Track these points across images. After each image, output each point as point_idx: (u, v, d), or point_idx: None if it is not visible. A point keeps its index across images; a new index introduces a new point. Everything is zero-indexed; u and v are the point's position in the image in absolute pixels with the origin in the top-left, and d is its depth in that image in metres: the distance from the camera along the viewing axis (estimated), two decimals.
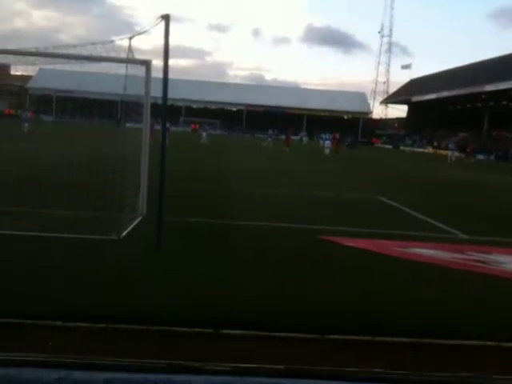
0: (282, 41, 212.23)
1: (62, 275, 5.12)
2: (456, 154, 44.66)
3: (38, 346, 3.87)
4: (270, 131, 50.89)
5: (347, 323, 4.37)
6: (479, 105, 79.23)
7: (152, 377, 0.73)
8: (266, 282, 5.44)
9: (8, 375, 0.70)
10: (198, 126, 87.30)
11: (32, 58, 7.97)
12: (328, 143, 40.56)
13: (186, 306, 4.52)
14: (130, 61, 7.84)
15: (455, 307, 5.05)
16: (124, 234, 6.96)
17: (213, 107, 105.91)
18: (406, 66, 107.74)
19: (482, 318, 4.72)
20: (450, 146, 47.07)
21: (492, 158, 56.94)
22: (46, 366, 0.75)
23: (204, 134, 43.46)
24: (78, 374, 0.73)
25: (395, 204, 12.29)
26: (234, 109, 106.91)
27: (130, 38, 7.39)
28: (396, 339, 4.14)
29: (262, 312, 4.50)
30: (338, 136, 46.60)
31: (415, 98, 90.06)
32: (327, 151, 38.71)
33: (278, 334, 4.04)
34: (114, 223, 7.05)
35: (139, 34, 7.24)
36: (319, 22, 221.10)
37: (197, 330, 4.00)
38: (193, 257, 6.25)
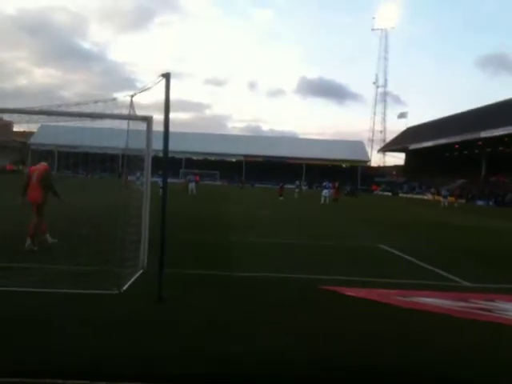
0: (276, 93, 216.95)
1: (61, 331, 5.08)
2: (448, 199, 47.82)
3: None
4: (297, 182, 53.26)
5: (349, 376, 4.30)
6: (476, 151, 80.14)
7: None
8: (268, 334, 5.38)
9: None
10: (198, 177, 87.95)
11: (35, 117, 8.16)
12: (326, 192, 39.67)
13: (187, 358, 4.46)
14: (131, 117, 8.02)
15: (464, 357, 4.97)
16: (125, 287, 6.92)
17: (212, 158, 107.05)
18: (403, 115, 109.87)
19: (491, 368, 4.66)
20: (443, 192, 49.58)
21: (491, 203, 57.11)
22: None
23: (191, 185, 42.19)
24: None
25: (396, 252, 12.25)
26: (234, 159, 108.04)
27: (132, 96, 7.59)
28: None
29: (264, 365, 4.43)
30: (337, 184, 46.88)
31: (412, 146, 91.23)
32: (323, 200, 38.05)
33: None
34: (115, 277, 7.03)
35: (141, 91, 7.44)
36: (312, 73, 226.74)
37: None
38: (194, 309, 6.21)
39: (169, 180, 7.33)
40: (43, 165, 10.39)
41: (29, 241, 9.64)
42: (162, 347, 4.76)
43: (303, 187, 63.29)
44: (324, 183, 42.29)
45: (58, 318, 5.52)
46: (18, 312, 5.68)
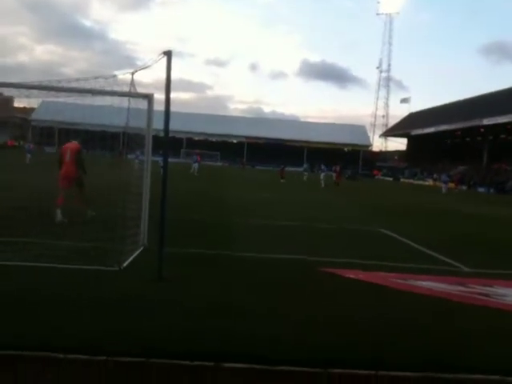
0: (278, 75, 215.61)
1: (61, 306, 5.09)
2: (449, 185, 48.09)
3: (36, 380, 3.82)
4: (305, 165, 52.52)
5: (349, 356, 4.31)
6: (478, 138, 79.84)
7: None
8: (267, 313, 5.40)
9: None
10: (199, 157, 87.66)
11: (35, 92, 8.09)
12: (323, 175, 39.15)
13: (186, 336, 4.47)
14: (132, 95, 7.95)
15: (458, 340, 4.99)
16: (125, 264, 6.94)
17: (214, 139, 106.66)
18: (405, 100, 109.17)
19: (486, 352, 4.67)
20: (443, 178, 49.73)
21: (492, 190, 57.08)
22: None
23: (195, 165, 42.43)
24: None
25: (396, 236, 12.27)
26: (235, 141, 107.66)
27: (133, 73, 7.51)
28: (399, 373, 4.08)
29: (263, 344, 4.44)
30: (338, 168, 46.72)
31: (414, 132, 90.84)
32: (323, 183, 37.57)
33: (280, 367, 3.99)
34: (115, 254, 7.03)
35: (142, 68, 7.36)
36: (315, 57, 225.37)
37: (197, 363, 3.95)
38: (194, 287, 6.22)
39: (170, 160, 7.29)
40: (75, 143, 11.31)
41: (60, 216, 10.40)
42: (162, 324, 4.77)
43: (311, 171, 57.67)
44: (321, 166, 41.65)
45: (58, 293, 5.53)
46: (17, 286, 5.68)
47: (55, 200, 10.59)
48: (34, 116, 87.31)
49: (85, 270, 6.55)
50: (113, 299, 5.45)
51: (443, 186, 46.83)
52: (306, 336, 4.79)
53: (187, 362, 3.95)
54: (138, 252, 7.74)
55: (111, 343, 4.20)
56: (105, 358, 3.93)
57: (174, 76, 6.51)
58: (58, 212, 10.44)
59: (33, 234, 8.28)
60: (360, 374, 4.05)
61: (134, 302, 5.44)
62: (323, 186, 36.70)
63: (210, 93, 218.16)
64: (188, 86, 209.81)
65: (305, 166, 52.08)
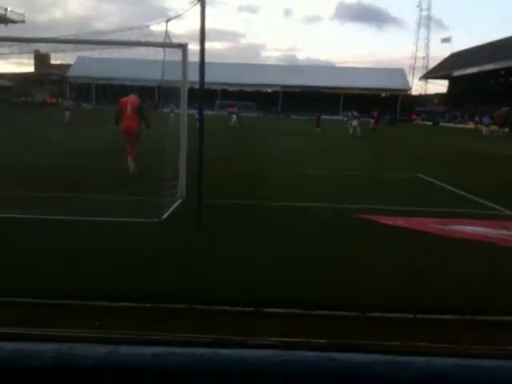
0: (313, 19, 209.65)
1: (105, 257, 5.27)
2: (490, 127, 45.81)
3: (86, 325, 4.02)
4: (349, 113, 40.15)
5: (390, 301, 4.35)
6: None
7: (199, 351, 0.75)
8: (307, 261, 5.47)
9: (59, 350, 0.74)
10: (231, 108, 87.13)
11: (71, 46, 8.13)
12: (356, 122, 35.81)
13: (227, 284, 4.59)
14: (167, 45, 7.88)
15: (505, 284, 4.94)
16: (165, 216, 7.09)
17: (248, 90, 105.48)
18: (446, 40, 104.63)
19: None
20: (485, 120, 47.33)
21: None
22: (94, 342, 0.78)
23: (234, 117, 42.23)
24: (125, 349, 0.75)
25: (435, 181, 12.05)
26: (270, 90, 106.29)
27: (167, 22, 7.44)
28: (437, 316, 4.10)
29: (303, 291, 4.53)
30: (376, 114, 45.62)
31: (456, 73, 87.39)
32: (351, 130, 35.30)
33: (319, 311, 4.07)
34: (155, 206, 7.18)
35: (175, 17, 7.29)
36: None
37: (238, 308, 4.07)
38: (233, 238, 6.33)
39: (205, 112, 7.27)
40: (134, 97, 11.52)
41: (133, 164, 11.02)
42: (200, 274, 4.90)
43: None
44: (353, 113, 38.89)
45: (101, 246, 5.72)
46: (62, 239, 5.90)
47: (126, 151, 11.21)
48: (70, 72, 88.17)
49: (127, 222, 6.73)
50: (153, 251, 5.61)
51: (484, 128, 45.36)
52: (342, 283, 4.84)
53: (228, 308, 4.08)
54: (176, 204, 7.88)
55: (155, 292, 4.36)
56: (150, 305, 4.10)
57: (206, 25, 6.40)
58: (131, 162, 11.04)
59: (73, 188, 8.52)
60: (398, 317, 4.09)
61: (174, 252, 5.59)
62: (359, 133, 34.84)
63: (243, 41, 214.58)
64: (220, 35, 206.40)
65: (349, 114, 40.23)
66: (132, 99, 11.42)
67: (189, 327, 3.84)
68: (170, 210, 7.45)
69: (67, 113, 35.02)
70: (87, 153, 14.19)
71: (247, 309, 4.08)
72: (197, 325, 3.90)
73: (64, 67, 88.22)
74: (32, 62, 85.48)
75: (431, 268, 5.37)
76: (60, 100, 71.55)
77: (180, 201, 8.11)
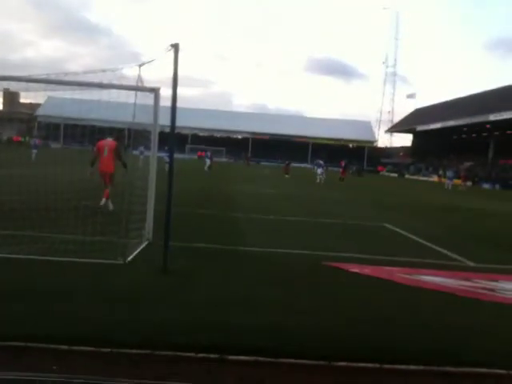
0: (283, 71, 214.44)
1: (67, 299, 5.12)
2: (453, 181, 47.82)
3: (43, 370, 3.85)
4: (317, 162, 41.44)
5: (354, 350, 4.32)
6: (484, 134, 79.46)
7: None
8: (271, 307, 5.41)
9: None
10: (204, 153, 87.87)
11: (41, 86, 8.09)
12: (320, 170, 36.87)
13: (190, 329, 4.50)
14: (139, 88, 7.95)
15: (465, 334, 4.99)
16: (130, 258, 6.97)
17: (219, 135, 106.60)
18: (411, 96, 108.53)
19: (492, 346, 4.67)
20: (448, 174, 49.45)
21: (497, 186, 56.80)
22: None
23: (208, 161, 42.55)
24: None
25: (401, 231, 12.25)
26: (240, 137, 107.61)
27: (140, 66, 7.51)
28: (403, 366, 4.09)
29: (267, 337, 4.46)
30: (343, 164, 46.60)
31: (420, 128, 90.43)
32: (318, 179, 35.93)
33: (284, 360, 4.01)
34: (121, 247, 7.06)
35: (149, 62, 7.36)
36: (319, 52, 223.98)
37: (202, 355, 3.98)
38: (199, 280, 6.24)
39: (175, 156, 7.28)
40: (111, 140, 11.98)
41: (105, 201, 11.47)
42: (164, 317, 4.79)
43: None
44: (319, 161, 39.51)
45: (63, 286, 5.56)
46: (25, 279, 5.72)
47: (103, 194, 11.60)
48: (40, 111, 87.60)
49: (90, 263, 6.58)
50: (116, 291, 5.49)
51: (447, 181, 47.09)
52: (306, 328, 4.80)
53: (192, 354, 3.98)
54: (142, 246, 7.77)
55: (114, 334, 4.23)
56: (109, 349, 3.97)
57: (179, 71, 6.49)
58: (109, 202, 11.50)
59: (38, 227, 8.31)
60: (364, 366, 4.06)
61: (137, 294, 5.47)
62: (321, 181, 35.30)
63: (214, 88, 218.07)
64: (193, 81, 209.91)
65: (319, 162, 40.57)
66: (110, 142, 11.88)
67: (150, 374, 3.72)
68: (136, 252, 7.34)
69: (34, 151, 34.59)
70: (53, 192, 13.94)
71: (212, 355, 3.99)
72: (158, 372, 3.78)
73: (34, 106, 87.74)
74: (0, 100, 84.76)
75: (395, 317, 5.39)
76: (27, 139, 70.61)
77: (146, 243, 8.00)
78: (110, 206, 11.48)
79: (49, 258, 6.59)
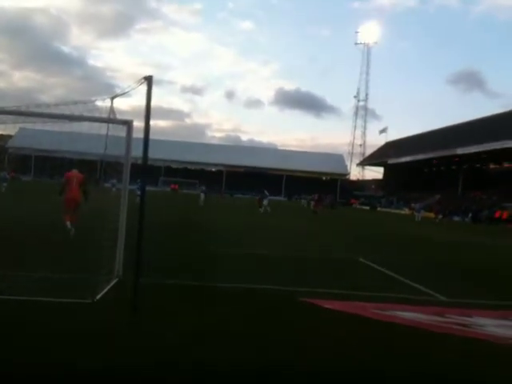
0: (254, 103, 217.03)
1: (33, 339, 4.91)
2: (422, 213, 51.19)
3: None
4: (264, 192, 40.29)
5: None
6: (453, 167, 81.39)
7: None
8: (243, 346, 5.29)
9: None
10: (177, 186, 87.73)
11: (12, 118, 7.96)
12: (266, 201, 37.96)
13: (163, 369, 4.34)
14: (111, 120, 7.88)
15: (441, 372, 4.94)
16: (99, 296, 6.75)
17: (192, 167, 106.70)
18: (383, 131, 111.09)
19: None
20: (417, 207, 52.97)
21: (467, 219, 57.84)
22: None
23: (202, 196, 43.05)
24: None
25: (374, 265, 12.26)
26: (214, 169, 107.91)
27: (112, 98, 7.47)
28: None
29: (244, 376, 4.34)
30: (316, 196, 47.02)
31: (391, 161, 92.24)
32: (263, 209, 36.99)
33: None
34: (89, 285, 6.85)
35: (122, 94, 7.33)
36: (290, 86, 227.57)
37: None
38: (171, 319, 6.08)
39: (147, 188, 7.18)
40: (77, 172, 13.24)
41: (72, 228, 12.55)
42: (135, 358, 4.63)
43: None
44: (264, 192, 39.75)
45: (27, 327, 5.34)
46: None
47: (65, 218, 12.67)
48: (10, 143, 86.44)
49: (56, 302, 6.33)
50: (83, 332, 5.29)
51: (416, 214, 49.46)
52: (278, 368, 4.69)
53: None
54: (112, 283, 7.55)
55: (81, 376, 4.06)
56: None
57: (152, 103, 6.46)
58: (69, 224, 12.53)
59: (6, 265, 8.04)
60: None
61: (107, 334, 5.28)
62: (268, 212, 36.14)
63: (187, 121, 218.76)
64: (166, 113, 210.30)
65: (266, 193, 40.36)
66: (77, 174, 13.16)
67: None
68: (106, 290, 7.12)
69: (4, 184, 34.04)
70: (21, 226, 13.63)
71: None
72: None
73: (4, 137, 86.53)
74: None
75: (367, 353, 5.32)
76: None
77: (116, 280, 7.78)
78: (72, 231, 12.44)
79: (9, 297, 6.30)
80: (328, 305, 7.43)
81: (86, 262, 7.47)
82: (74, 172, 13.24)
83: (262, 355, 4.99)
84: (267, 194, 40.12)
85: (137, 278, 6.29)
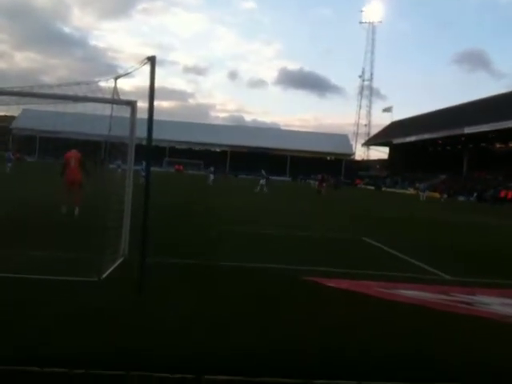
0: (258, 83, 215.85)
1: (38, 319, 4.96)
2: (427, 193, 52.54)
3: None
4: (261, 172, 41.52)
5: (333, 367, 4.27)
6: (459, 147, 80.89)
7: None
8: (249, 326, 5.33)
9: None
10: (181, 166, 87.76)
11: (15, 99, 7.93)
12: (263, 181, 39.68)
13: (167, 350, 4.39)
14: (115, 101, 7.84)
15: (443, 350, 4.97)
16: (105, 275, 6.80)
17: (197, 148, 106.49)
18: (388, 109, 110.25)
19: (471, 361, 4.66)
20: (421, 186, 54.18)
21: (472, 199, 57.74)
22: None
23: (211, 176, 45.77)
24: None
25: (378, 244, 12.29)
26: (218, 150, 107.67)
27: (116, 79, 7.42)
28: (381, 383, 4.05)
29: (247, 357, 4.38)
30: (321, 177, 46.93)
31: (396, 140, 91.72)
32: (258, 188, 38.47)
33: (263, 379, 3.93)
34: (95, 264, 6.90)
35: (125, 74, 7.28)
36: (293, 65, 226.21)
37: (178, 376, 3.87)
38: (176, 299, 6.12)
39: (152, 169, 7.16)
40: (76, 152, 13.37)
41: (77, 210, 12.75)
42: (140, 338, 4.68)
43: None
44: (262, 172, 41.04)
45: (35, 305, 5.40)
46: None
47: (66, 198, 12.94)
48: (14, 124, 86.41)
49: (62, 280, 6.41)
50: (90, 310, 5.33)
51: (421, 194, 50.46)
52: (281, 348, 4.73)
53: (167, 375, 3.88)
54: (118, 263, 7.61)
55: (88, 355, 4.11)
56: (83, 371, 3.84)
57: (156, 84, 6.42)
58: (64, 208, 12.78)
59: (9, 244, 8.10)
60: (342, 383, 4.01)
61: (112, 314, 5.32)
62: (265, 191, 37.36)
63: (191, 101, 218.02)
64: (170, 94, 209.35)
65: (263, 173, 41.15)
66: (75, 154, 13.28)
67: None
68: (111, 269, 7.17)
69: (9, 165, 34.10)
70: (27, 206, 13.70)
71: (188, 376, 3.89)
72: None
73: (8, 118, 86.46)
74: None
75: (372, 332, 5.36)
76: (1, 152, 69.49)
77: (122, 259, 7.83)
78: (76, 211, 12.69)
79: (18, 275, 6.39)
80: (332, 283, 7.47)
81: (92, 242, 7.50)
82: (73, 152, 13.38)
83: (264, 336, 5.04)
84: (264, 173, 41.09)
85: (143, 258, 6.32)
